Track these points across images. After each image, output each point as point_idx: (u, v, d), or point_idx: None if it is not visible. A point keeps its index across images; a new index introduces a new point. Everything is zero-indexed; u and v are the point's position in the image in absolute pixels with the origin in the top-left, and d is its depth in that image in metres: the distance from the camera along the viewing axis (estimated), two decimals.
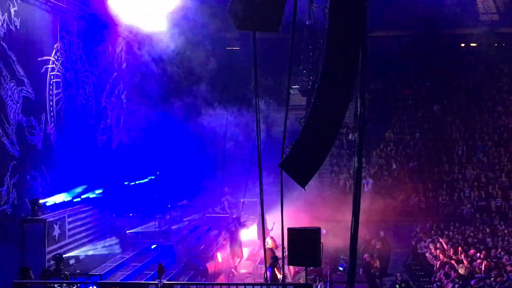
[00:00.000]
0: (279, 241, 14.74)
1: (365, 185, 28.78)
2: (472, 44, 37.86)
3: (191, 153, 27.89)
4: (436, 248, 21.84)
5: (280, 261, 15.48)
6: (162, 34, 24.47)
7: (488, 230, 24.28)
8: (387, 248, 23.00)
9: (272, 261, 15.56)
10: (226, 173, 26.02)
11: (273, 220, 22.17)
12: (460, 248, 21.14)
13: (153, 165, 27.56)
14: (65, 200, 19.83)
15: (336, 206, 25.71)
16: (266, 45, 21.42)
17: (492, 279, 17.63)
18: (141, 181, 26.73)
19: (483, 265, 18.95)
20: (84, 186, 21.30)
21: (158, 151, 27.25)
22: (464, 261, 19.39)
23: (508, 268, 18.54)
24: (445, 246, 21.75)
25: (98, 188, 22.05)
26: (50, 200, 19.02)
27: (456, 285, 17.76)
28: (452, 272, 18.58)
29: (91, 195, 21.58)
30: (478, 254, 20.33)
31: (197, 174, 27.84)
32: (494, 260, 19.66)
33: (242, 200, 26.02)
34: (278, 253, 16.44)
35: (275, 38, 12.82)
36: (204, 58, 27.37)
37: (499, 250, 20.98)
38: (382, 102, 35.05)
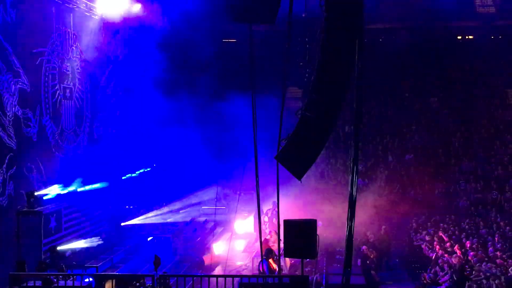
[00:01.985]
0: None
1: (361, 181, 28.81)
2: (469, 37, 37.83)
3: (189, 145, 27.86)
4: (432, 241, 21.88)
5: (275, 253, 15.49)
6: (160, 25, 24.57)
7: (483, 222, 24.30)
8: (387, 243, 22.87)
9: (266, 253, 15.57)
10: (224, 164, 26.07)
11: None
12: (449, 240, 21.26)
13: (150, 157, 27.56)
14: (61, 192, 19.81)
15: (332, 198, 25.72)
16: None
17: (485, 270, 17.72)
18: (138, 172, 26.75)
19: (477, 257, 19.02)
20: (80, 179, 21.29)
21: (155, 143, 27.24)
22: (458, 253, 19.47)
23: (498, 261, 18.65)
24: (444, 238, 21.79)
25: (94, 180, 22.03)
26: (47, 192, 19.01)
27: (451, 278, 17.83)
28: (447, 265, 18.64)
29: (88, 188, 21.57)
30: (474, 246, 20.41)
31: (195, 165, 27.80)
32: (488, 252, 19.78)
33: (238, 192, 26.03)
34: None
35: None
36: (202, 48, 27.39)
37: (494, 241, 21.07)
38: (379, 94, 35.01)
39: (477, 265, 18.40)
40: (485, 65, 35.87)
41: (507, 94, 34.61)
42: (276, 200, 22.69)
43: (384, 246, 22.44)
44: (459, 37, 37.93)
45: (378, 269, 21.12)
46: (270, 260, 15.60)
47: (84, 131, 23.07)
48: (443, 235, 22.14)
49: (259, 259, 15.44)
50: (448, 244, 21.02)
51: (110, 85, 25.57)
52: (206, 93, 28.65)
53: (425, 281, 18.90)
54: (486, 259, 19.04)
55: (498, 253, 19.64)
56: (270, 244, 18.59)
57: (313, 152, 10.99)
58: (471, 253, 19.51)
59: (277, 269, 14.85)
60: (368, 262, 20.45)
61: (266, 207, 23.77)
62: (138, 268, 19.62)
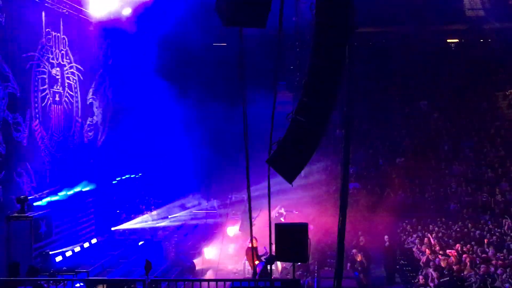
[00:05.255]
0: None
1: (355, 184, 28.89)
2: (458, 40, 38.03)
3: (179, 149, 27.80)
4: (422, 244, 21.89)
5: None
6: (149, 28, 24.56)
7: (473, 225, 24.34)
8: (393, 254, 22.57)
9: (269, 258, 15.29)
10: (215, 168, 26.02)
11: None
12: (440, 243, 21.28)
13: (140, 161, 27.48)
14: (51, 197, 19.72)
15: (323, 202, 25.72)
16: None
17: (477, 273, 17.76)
18: (127, 176, 26.67)
19: (468, 260, 19.05)
20: (71, 183, 21.21)
21: (145, 148, 27.16)
22: (451, 255, 19.50)
23: (493, 261, 18.68)
24: (432, 241, 21.82)
25: (85, 185, 21.96)
26: (36, 197, 18.92)
27: (442, 280, 17.85)
28: (435, 270, 18.65)
29: (78, 192, 21.49)
30: (465, 249, 20.46)
31: (186, 169, 27.75)
32: (480, 254, 19.81)
33: (229, 196, 26.03)
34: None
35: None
36: (193, 52, 27.37)
37: (485, 244, 21.12)
38: (369, 97, 35.09)
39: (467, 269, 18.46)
40: (475, 68, 36.04)
41: (497, 97, 34.77)
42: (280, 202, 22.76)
43: (389, 259, 22.18)
44: (449, 40, 38.12)
45: (367, 273, 21.08)
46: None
47: (74, 136, 22.97)
48: (430, 238, 22.18)
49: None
50: (437, 248, 21.05)
51: (100, 89, 25.50)
52: (198, 97, 28.61)
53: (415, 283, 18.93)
54: (478, 260, 19.08)
55: (489, 254, 19.69)
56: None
57: (304, 156, 10.96)
58: (463, 256, 19.54)
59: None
60: (355, 265, 20.42)
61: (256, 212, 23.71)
62: (129, 273, 19.53)
